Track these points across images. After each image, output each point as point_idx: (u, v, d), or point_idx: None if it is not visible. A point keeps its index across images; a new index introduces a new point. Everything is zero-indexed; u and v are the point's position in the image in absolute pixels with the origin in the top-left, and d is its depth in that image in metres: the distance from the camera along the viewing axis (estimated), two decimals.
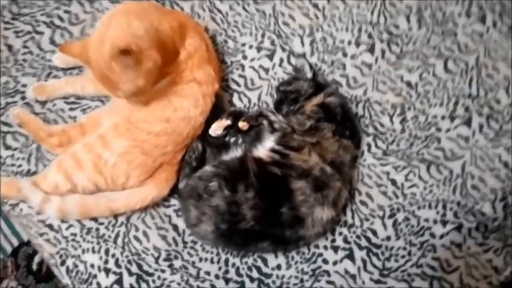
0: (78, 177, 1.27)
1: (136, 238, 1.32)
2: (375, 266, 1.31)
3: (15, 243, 1.85)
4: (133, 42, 1.12)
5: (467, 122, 1.39)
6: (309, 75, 1.42)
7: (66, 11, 1.52)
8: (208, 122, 1.36)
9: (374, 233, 1.34)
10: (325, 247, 1.33)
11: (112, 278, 1.28)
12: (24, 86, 1.44)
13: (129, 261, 1.30)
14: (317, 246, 1.33)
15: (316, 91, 1.40)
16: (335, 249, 1.33)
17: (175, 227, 1.35)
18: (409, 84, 1.44)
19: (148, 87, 1.21)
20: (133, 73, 1.15)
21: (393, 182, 1.38)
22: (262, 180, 1.25)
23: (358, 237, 1.34)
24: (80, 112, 1.43)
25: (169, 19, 1.27)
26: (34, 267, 1.82)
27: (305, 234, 1.26)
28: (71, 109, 1.44)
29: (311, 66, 1.44)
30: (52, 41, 1.50)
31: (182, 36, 1.30)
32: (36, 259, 1.81)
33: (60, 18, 1.52)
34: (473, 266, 1.30)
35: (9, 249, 1.85)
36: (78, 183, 1.28)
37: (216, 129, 1.37)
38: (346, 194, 1.32)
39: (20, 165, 1.37)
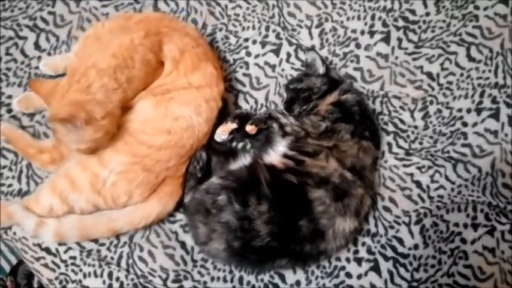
0: (74, 199, 1.18)
1: (141, 259, 1.24)
2: (402, 278, 1.23)
3: (14, 260, 1.76)
4: (78, 112, 1.06)
5: (495, 115, 1.33)
6: (322, 70, 1.32)
7: (50, 12, 1.43)
8: (213, 128, 1.27)
9: (400, 241, 1.25)
10: (348, 259, 1.25)
11: None
12: (9, 97, 1.35)
13: (135, 285, 1.22)
14: (339, 259, 1.25)
15: (330, 88, 1.29)
16: (358, 261, 1.25)
17: (183, 245, 1.26)
18: (429, 75, 1.38)
19: (102, 142, 1.15)
20: (77, 137, 1.10)
21: (418, 185, 1.29)
22: (276, 190, 1.15)
23: (383, 247, 1.25)
24: None
25: (134, 36, 1.16)
26: (35, 285, 1.73)
27: (326, 248, 1.17)
28: None
29: (323, 61, 1.33)
30: (37, 46, 1.40)
31: (157, 45, 1.19)
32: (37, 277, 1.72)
33: (44, 21, 1.42)
34: (509, 272, 1.23)
35: (7, 267, 1.76)
36: (75, 206, 1.18)
37: (221, 133, 1.27)
38: (369, 201, 1.23)
39: (10, 185, 1.28)
